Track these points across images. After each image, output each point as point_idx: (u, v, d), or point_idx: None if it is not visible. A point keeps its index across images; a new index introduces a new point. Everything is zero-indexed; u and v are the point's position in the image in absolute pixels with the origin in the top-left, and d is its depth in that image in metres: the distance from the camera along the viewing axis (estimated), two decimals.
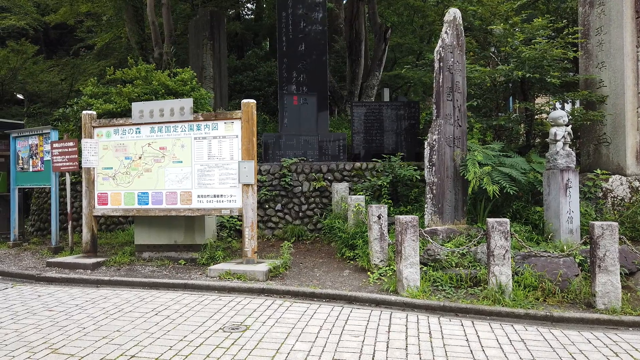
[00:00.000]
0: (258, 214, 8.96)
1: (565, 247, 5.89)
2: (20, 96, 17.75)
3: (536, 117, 9.18)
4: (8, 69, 15.71)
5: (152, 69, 9.52)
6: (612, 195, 7.46)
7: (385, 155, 9.23)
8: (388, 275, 6.01)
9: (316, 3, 10.62)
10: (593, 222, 5.06)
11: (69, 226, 8.29)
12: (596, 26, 8.21)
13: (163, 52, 13.12)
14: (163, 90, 9.15)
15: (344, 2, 17.44)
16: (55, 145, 8.28)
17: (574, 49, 8.36)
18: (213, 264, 6.82)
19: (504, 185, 6.60)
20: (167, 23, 13.51)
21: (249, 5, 23.42)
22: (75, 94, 15.52)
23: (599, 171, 7.62)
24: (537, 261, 5.49)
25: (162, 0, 13.44)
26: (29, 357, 3.72)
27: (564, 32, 8.18)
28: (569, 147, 6.69)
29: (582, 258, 5.65)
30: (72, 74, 17.60)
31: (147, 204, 7.16)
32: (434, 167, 6.90)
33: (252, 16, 22.84)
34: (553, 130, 6.73)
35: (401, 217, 5.46)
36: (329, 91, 12.97)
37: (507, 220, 5.20)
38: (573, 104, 9.90)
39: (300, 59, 10.53)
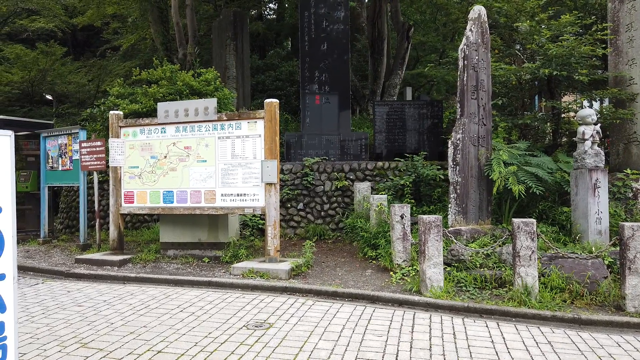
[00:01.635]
0: (280, 213, 9.01)
1: (593, 249, 5.76)
2: (49, 97, 18.23)
3: (563, 115, 8.99)
4: (38, 70, 16.15)
5: (177, 69, 9.66)
6: None
7: (407, 155, 9.17)
8: (411, 275, 5.98)
9: (338, 2, 10.61)
10: (623, 222, 4.93)
11: (97, 224, 8.48)
12: (626, 22, 7.99)
13: (187, 53, 13.30)
14: (187, 91, 9.27)
15: (366, 0, 17.37)
16: (83, 144, 8.48)
17: (603, 45, 8.16)
18: (236, 262, 6.89)
19: (530, 185, 6.49)
20: (191, 24, 13.68)
21: (270, 5, 23.56)
22: (102, 94, 15.85)
23: (629, 171, 7.43)
24: (564, 262, 5.38)
25: (186, 2, 13.62)
26: (59, 351, 3.83)
27: (593, 29, 7.99)
28: (598, 146, 6.54)
29: (612, 260, 5.51)
30: (99, 75, 17.99)
31: (172, 202, 7.28)
32: (457, 167, 6.82)
33: (274, 16, 22.96)
34: (581, 128, 6.58)
35: (424, 216, 5.43)
36: (351, 90, 12.95)
37: (534, 220, 5.11)
38: (602, 102, 9.66)
39: (322, 58, 10.54)
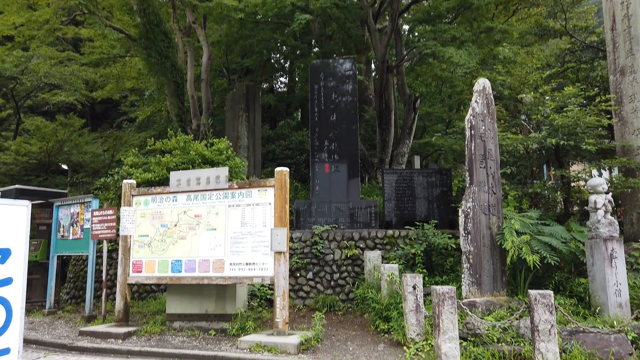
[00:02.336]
0: (289, 283, 8.83)
1: (615, 323, 5.52)
2: (64, 166, 18.67)
3: (573, 184, 8.98)
4: (56, 141, 16.68)
5: (190, 139, 9.94)
6: None
7: (417, 223, 9.10)
8: (426, 350, 5.72)
9: (346, 76, 11.05)
10: None
11: (103, 294, 8.35)
12: (629, 94, 8.19)
13: (201, 124, 13.73)
14: (200, 160, 9.48)
15: (374, 74, 18.08)
16: (95, 213, 8.56)
17: (608, 116, 8.31)
18: (243, 335, 6.67)
19: (544, 255, 6.35)
20: (205, 97, 14.24)
21: (281, 79, 24.62)
22: (117, 163, 16.23)
23: None
24: (585, 337, 5.14)
25: (202, 76, 14.26)
26: None
27: (596, 100, 8.18)
28: (611, 215, 6.46)
29: (635, 335, 5.26)
30: (114, 145, 18.51)
31: (180, 271, 7.19)
32: (469, 236, 6.74)
33: (285, 89, 23.91)
34: (592, 198, 6.54)
35: (437, 287, 5.29)
36: (360, 159, 13.12)
37: (551, 292, 4.95)
38: (611, 171, 9.67)
39: (331, 128, 10.80)
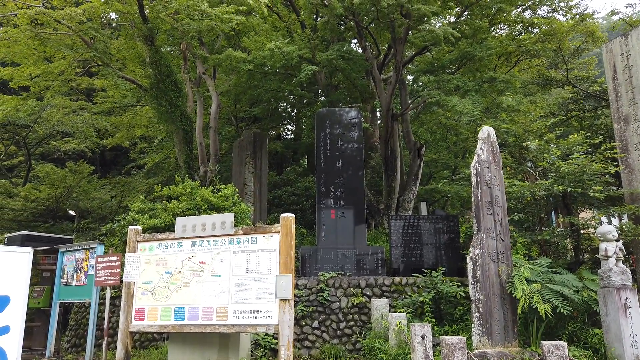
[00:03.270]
0: (294, 332, 8.62)
1: None
2: (72, 212, 18.79)
3: (583, 231, 8.87)
4: (64, 187, 16.88)
5: (197, 185, 10.02)
6: None
7: (425, 270, 8.96)
8: None
9: (352, 124, 11.22)
10: None
11: (104, 342, 8.17)
12: (634, 141, 8.23)
13: (208, 170, 13.88)
14: (206, 206, 9.50)
15: (379, 122, 18.37)
16: (99, 259, 8.52)
17: (614, 163, 8.31)
18: None
19: (556, 304, 6.19)
20: (213, 144, 14.48)
21: (289, 126, 25.08)
22: (124, 209, 16.31)
23: None
24: None
25: (210, 124, 14.56)
26: None
27: (602, 148, 8.21)
28: (622, 263, 6.33)
29: None
30: (122, 191, 18.69)
31: (183, 319, 7.04)
32: (478, 284, 6.60)
33: (292, 136, 24.30)
34: (603, 245, 6.44)
35: (447, 337, 5.14)
36: (366, 205, 13.11)
37: (564, 343, 4.79)
38: (620, 218, 9.56)
39: (337, 175, 10.86)
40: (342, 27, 15.64)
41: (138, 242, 7.77)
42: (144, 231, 8.80)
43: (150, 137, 20.25)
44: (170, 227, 8.92)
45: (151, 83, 13.88)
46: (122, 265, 8.11)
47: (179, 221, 7.57)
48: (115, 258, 8.33)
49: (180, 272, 7.30)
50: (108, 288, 8.55)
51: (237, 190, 10.23)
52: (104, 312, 8.69)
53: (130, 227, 7.90)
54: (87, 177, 18.26)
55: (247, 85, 15.37)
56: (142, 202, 10.28)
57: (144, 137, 20.56)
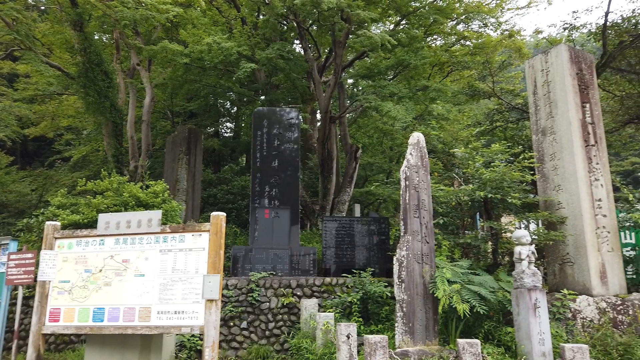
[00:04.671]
0: (222, 333, 8.50)
1: None
2: None
3: (502, 236, 9.41)
4: None
5: (125, 181, 9.60)
6: (581, 316, 7.41)
7: (356, 271, 9.13)
8: None
9: (291, 124, 11.22)
10: (564, 344, 4.96)
11: (14, 345, 7.63)
12: (550, 152, 8.83)
13: (139, 165, 13.36)
14: (134, 202, 9.13)
15: (318, 123, 18.53)
16: (12, 256, 7.94)
17: (532, 172, 8.88)
18: None
19: (474, 304, 6.51)
20: (145, 138, 13.95)
21: (228, 124, 24.68)
22: (44, 204, 15.31)
23: (566, 291, 7.64)
24: None
25: (143, 118, 14.03)
26: None
27: (521, 157, 8.75)
28: (535, 266, 6.77)
29: None
30: (44, 185, 17.56)
31: (103, 320, 6.71)
32: (403, 284, 6.82)
33: (231, 134, 23.93)
34: (517, 249, 6.86)
35: (370, 337, 5.26)
36: (301, 205, 13.18)
37: (478, 341, 5.05)
38: (537, 224, 10.24)
39: (273, 174, 10.81)
40: (284, 27, 15.65)
41: (56, 238, 7.32)
42: (65, 227, 8.32)
43: (77, 128, 19.19)
44: (93, 224, 8.48)
45: (79, 71, 13.14)
46: (38, 264, 7.61)
47: (102, 217, 7.22)
48: (30, 255, 7.80)
49: (101, 271, 6.96)
50: (21, 287, 8.00)
51: (167, 187, 9.90)
52: (15, 312, 8.11)
53: (48, 222, 7.43)
54: (5, 169, 16.98)
55: (184, 79, 14.95)
56: (63, 197, 9.70)
57: (70, 128, 19.44)
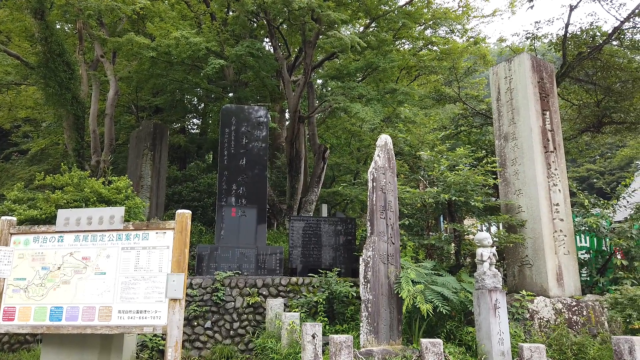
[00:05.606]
0: (185, 332, 8.35)
1: None
2: None
3: (465, 237, 9.65)
4: None
5: (86, 176, 9.31)
6: (539, 316, 7.68)
7: (322, 271, 9.16)
8: None
9: (259, 122, 11.16)
10: (522, 344, 5.13)
11: None
12: (511, 157, 9.12)
13: (101, 160, 12.98)
14: (95, 198, 8.87)
15: (287, 123, 18.49)
16: None
17: (494, 176, 9.14)
18: None
19: (436, 304, 6.65)
20: (108, 132, 13.57)
21: (195, 120, 24.28)
22: (0, 198, 14.67)
23: (524, 292, 7.90)
24: None
25: (106, 111, 13.64)
26: None
27: (484, 161, 8.99)
28: (495, 267, 6.98)
29: None
30: None
31: (60, 320, 6.48)
32: (369, 284, 6.89)
33: (198, 130, 23.54)
34: (479, 250, 7.05)
35: (335, 336, 5.29)
36: (269, 204, 13.11)
37: (440, 341, 5.17)
38: (498, 226, 10.56)
39: (240, 173, 10.72)
40: (254, 25, 15.54)
41: (12, 234, 7.03)
42: (21, 223, 8.00)
43: (36, 120, 18.46)
44: (51, 220, 8.19)
45: (39, 61, 12.64)
46: None
47: (62, 213, 6.98)
48: None
49: (59, 268, 6.73)
50: None
51: (131, 183, 9.66)
52: None
53: (4, 217, 7.13)
54: None
55: (150, 73, 14.62)
56: (20, 191, 9.32)
57: (29, 120, 18.68)
